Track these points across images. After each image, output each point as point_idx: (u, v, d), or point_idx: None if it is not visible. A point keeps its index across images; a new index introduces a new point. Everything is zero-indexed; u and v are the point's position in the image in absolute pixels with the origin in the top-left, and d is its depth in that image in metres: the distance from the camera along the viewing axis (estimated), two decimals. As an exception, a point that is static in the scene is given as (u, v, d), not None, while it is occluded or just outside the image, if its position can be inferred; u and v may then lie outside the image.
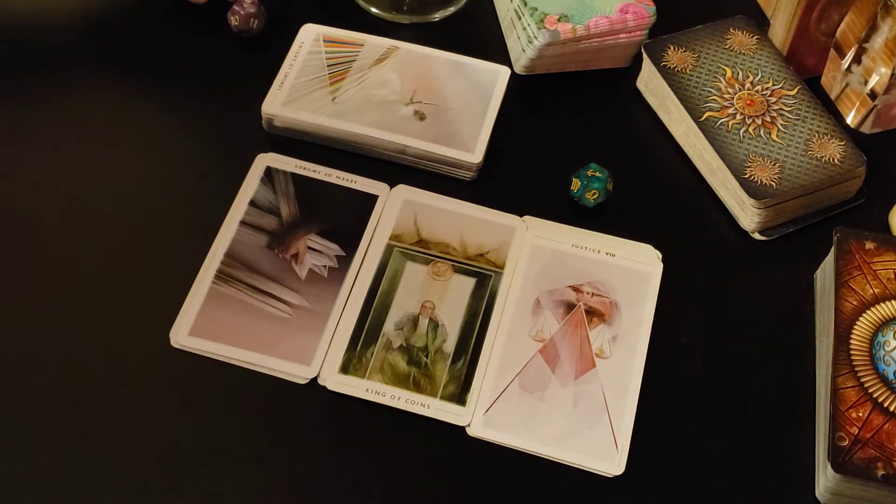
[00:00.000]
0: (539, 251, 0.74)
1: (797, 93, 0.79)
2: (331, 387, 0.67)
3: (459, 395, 0.67)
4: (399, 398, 0.67)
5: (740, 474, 0.66)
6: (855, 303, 0.68)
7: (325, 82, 0.80)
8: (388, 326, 0.70)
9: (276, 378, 0.68)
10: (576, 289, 0.72)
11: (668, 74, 0.80)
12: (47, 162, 0.77)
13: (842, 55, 0.82)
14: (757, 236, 0.76)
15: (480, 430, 0.66)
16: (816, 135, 0.77)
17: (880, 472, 0.61)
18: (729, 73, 0.80)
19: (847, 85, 0.82)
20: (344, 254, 0.73)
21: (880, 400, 0.64)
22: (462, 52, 0.83)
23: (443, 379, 0.68)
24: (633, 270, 0.73)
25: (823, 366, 0.68)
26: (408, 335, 0.70)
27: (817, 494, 0.65)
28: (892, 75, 0.78)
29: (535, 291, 0.72)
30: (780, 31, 0.83)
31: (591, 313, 0.71)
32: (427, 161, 0.78)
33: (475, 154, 0.77)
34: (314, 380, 0.68)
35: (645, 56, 0.82)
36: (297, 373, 0.68)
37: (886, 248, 0.70)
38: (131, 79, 0.83)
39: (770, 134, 0.77)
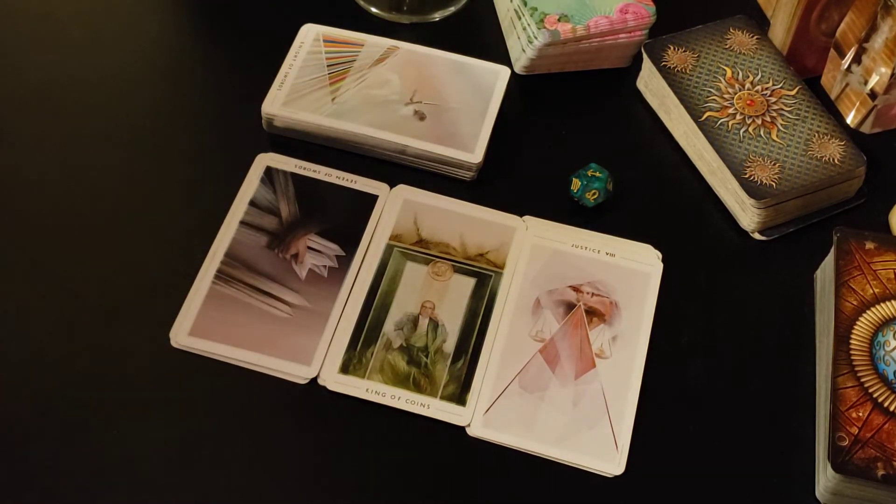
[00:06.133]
0: (539, 251, 0.74)
1: (797, 93, 0.79)
2: (331, 387, 0.67)
3: (459, 395, 0.67)
4: (399, 398, 0.67)
5: (740, 474, 0.66)
6: (855, 303, 0.68)
7: (325, 82, 0.80)
8: (388, 326, 0.70)
9: (276, 378, 0.68)
10: (576, 289, 0.72)
11: (668, 74, 0.80)
12: (46, 162, 0.77)
13: (842, 55, 0.82)
14: (757, 236, 0.76)
15: (480, 430, 0.66)
16: (816, 135, 0.77)
17: (880, 472, 0.61)
18: (729, 73, 0.80)
19: (847, 85, 0.82)
20: (344, 254, 0.73)
21: (880, 400, 0.64)
22: (462, 52, 0.83)
23: (443, 379, 0.68)
24: (633, 270, 0.73)
25: (823, 366, 0.68)
26: (408, 335, 0.70)
27: (817, 494, 0.65)
28: (892, 75, 0.78)
29: (535, 291, 0.72)
30: (780, 31, 0.83)
31: (591, 313, 0.71)
32: (427, 161, 0.78)
33: (475, 154, 0.77)
34: (314, 380, 0.68)
35: (645, 56, 0.82)
36: (297, 373, 0.68)
37: (886, 248, 0.70)
38: (131, 79, 0.83)
39: (770, 134, 0.77)
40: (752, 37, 0.82)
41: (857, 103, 0.82)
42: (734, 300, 0.73)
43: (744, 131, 0.77)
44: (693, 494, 0.65)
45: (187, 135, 0.80)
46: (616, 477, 0.65)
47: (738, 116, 0.78)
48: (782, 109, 0.78)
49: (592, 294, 0.72)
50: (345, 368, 0.68)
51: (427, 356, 0.69)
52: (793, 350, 0.71)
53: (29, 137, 0.79)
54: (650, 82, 0.82)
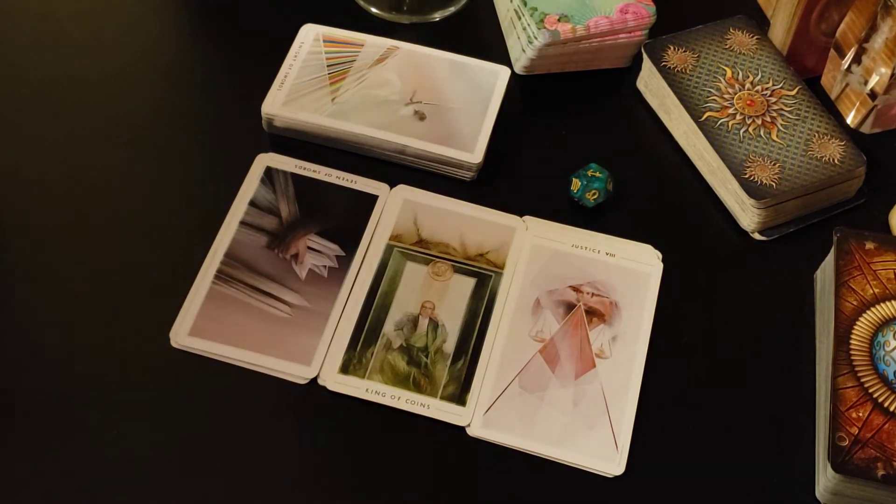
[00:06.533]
0: (539, 251, 0.74)
1: (797, 93, 0.79)
2: (331, 387, 0.67)
3: (459, 395, 0.67)
4: (399, 398, 0.67)
5: (740, 474, 0.66)
6: (855, 303, 0.68)
7: (325, 82, 0.80)
8: (388, 326, 0.70)
9: (276, 378, 0.68)
10: (576, 289, 0.72)
11: (668, 74, 0.80)
12: (46, 162, 0.77)
13: (842, 55, 0.82)
14: (757, 236, 0.76)
15: (480, 430, 0.66)
16: (816, 135, 0.77)
17: (880, 472, 0.61)
18: (729, 73, 0.80)
19: (847, 85, 0.82)
20: (344, 254, 0.73)
21: (880, 400, 0.64)
22: (462, 52, 0.83)
23: (443, 379, 0.68)
24: (633, 270, 0.73)
25: (823, 366, 0.68)
26: (408, 335, 0.70)
27: (817, 494, 0.65)
28: (892, 75, 0.78)
29: (535, 291, 0.72)
30: (780, 31, 0.83)
31: (591, 313, 0.71)
32: (427, 161, 0.78)
33: (475, 154, 0.77)
34: (314, 380, 0.68)
35: (645, 56, 0.82)
36: (297, 373, 0.68)
37: (886, 248, 0.70)
38: (131, 79, 0.83)
39: (770, 134, 0.77)
40: (752, 37, 0.82)
41: (857, 103, 0.82)
42: (734, 300, 0.73)
43: (744, 131, 0.77)
44: (693, 494, 0.65)
45: (187, 135, 0.80)
46: (616, 477, 0.65)
47: (738, 116, 0.78)
48: (782, 109, 0.78)
49: (592, 294, 0.72)
50: (345, 368, 0.68)
51: (427, 356, 0.69)
52: (793, 350, 0.71)
53: (29, 137, 0.79)
54: (650, 82, 0.82)
